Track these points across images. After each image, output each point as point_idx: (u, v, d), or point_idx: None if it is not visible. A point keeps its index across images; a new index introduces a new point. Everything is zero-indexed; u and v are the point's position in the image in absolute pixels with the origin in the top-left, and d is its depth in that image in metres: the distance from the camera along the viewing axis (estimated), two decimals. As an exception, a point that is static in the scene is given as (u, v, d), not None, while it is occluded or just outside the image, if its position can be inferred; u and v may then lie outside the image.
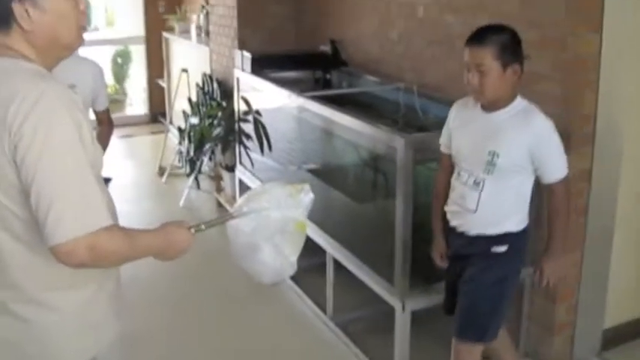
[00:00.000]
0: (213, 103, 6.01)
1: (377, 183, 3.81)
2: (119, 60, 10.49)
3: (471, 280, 2.87)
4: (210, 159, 6.13)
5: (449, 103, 3.93)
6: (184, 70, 7.24)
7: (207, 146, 5.84)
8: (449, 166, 2.98)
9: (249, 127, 5.17)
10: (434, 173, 3.55)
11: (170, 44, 8.39)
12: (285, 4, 5.97)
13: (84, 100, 3.29)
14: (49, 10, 1.74)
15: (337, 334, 3.95)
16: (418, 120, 4.11)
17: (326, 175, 4.34)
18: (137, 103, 10.08)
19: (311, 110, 4.14)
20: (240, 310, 4.33)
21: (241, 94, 5.29)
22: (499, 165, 2.70)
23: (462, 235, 2.88)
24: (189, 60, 7.42)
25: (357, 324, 4.02)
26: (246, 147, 5.27)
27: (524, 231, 2.86)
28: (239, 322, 4.20)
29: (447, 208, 2.97)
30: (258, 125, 5.03)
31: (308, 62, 5.32)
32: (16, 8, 1.71)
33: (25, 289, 1.81)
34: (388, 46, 4.71)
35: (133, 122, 9.18)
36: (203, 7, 7.32)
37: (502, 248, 2.82)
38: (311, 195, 2.11)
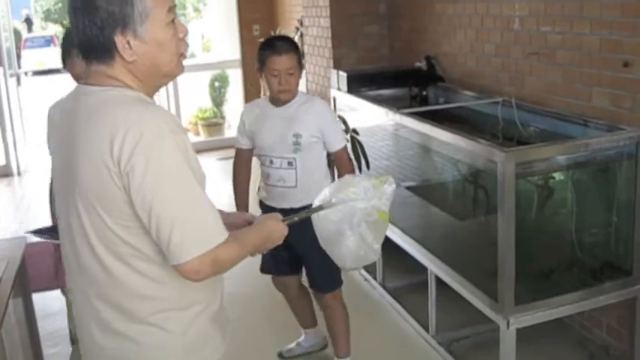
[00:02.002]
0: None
1: (477, 198, 3.76)
2: (216, 84, 10.72)
3: (312, 244, 2.42)
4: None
5: (550, 115, 3.90)
6: (281, 92, 7.33)
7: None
8: (248, 158, 3.69)
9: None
10: (536, 187, 3.51)
11: (266, 66, 8.50)
12: (379, 23, 5.99)
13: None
14: (149, 40, 1.80)
15: (441, 353, 3.90)
16: (518, 134, 4.04)
17: (425, 191, 4.32)
18: (235, 126, 10.23)
19: (409, 127, 4.13)
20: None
21: (338, 113, 5.32)
22: (303, 143, 3.42)
23: (289, 210, 3.20)
24: (285, 81, 7.50)
25: (460, 342, 3.95)
26: (344, 166, 5.27)
27: None
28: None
29: (264, 195, 3.62)
30: (356, 144, 5.03)
31: (403, 79, 5.30)
32: (119, 40, 1.77)
33: (134, 312, 1.87)
34: (484, 59, 4.66)
35: (232, 144, 9.30)
36: (297, 28, 7.42)
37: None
38: (393, 186, 2.22)
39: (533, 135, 3.95)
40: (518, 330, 3.27)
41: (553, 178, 3.60)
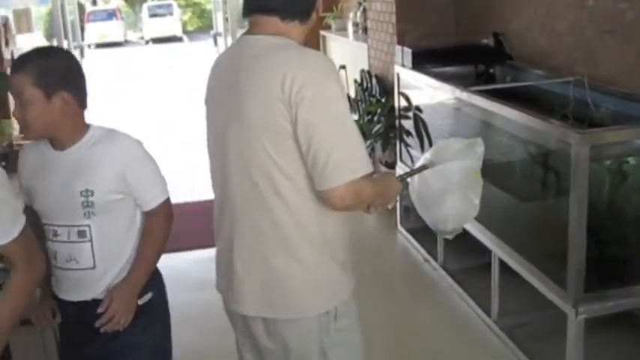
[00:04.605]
0: (373, 100, 5.97)
1: (547, 181, 3.63)
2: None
3: (126, 348, 2.40)
4: (370, 155, 6.09)
5: (625, 97, 3.73)
6: (342, 67, 7.23)
7: (367, 143, 5.80)
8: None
9: (408, 124, 5.09)
10: (609, 171, 3.37)
11: (327, 42, 8.43)
12: (445, -2, 5.83)
13: None
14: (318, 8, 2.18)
15: (502, 339, 3.80)
16: (590, 115, 3.88)
17: (490, 172, 4.18)
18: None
19: (476, 105, 4.00)
20: (400, 309, 4.28)
21: (402, 89, 5.21)
22: (97, 203, 2.34)
23: (85, 303, 2.43)
24: (347, 57, 7.41)
25: (523, 329, 3.83)
26: (407, 144, 5.19)
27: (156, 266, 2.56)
28: (398, 321, 4.14)
29: (55, 284, 2.50)
30: (419, 121, 4.94)
31: (470, 56, 5.14)
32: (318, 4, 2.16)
33: (287, 246, 2.11)
34: (556, 37, 4.49)
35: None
36: (360, 3, 7.30)
37: (147, 296, 2.48)
38: (483, 147, 2.46)
39: (606, 117, 3.79)
40: (586, 319, 3.15)
41: (627, 162, 3.45)
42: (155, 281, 2.53)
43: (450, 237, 2.56)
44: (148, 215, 2.47)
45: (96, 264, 2.40)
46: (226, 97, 2.12)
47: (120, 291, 2.39)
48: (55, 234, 2.41)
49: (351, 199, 2.00)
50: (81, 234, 2.38)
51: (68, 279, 2.45)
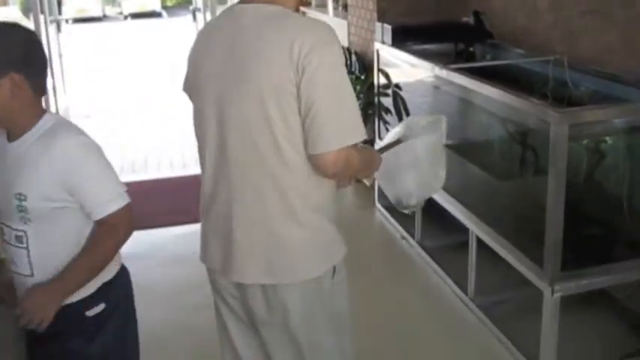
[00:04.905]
0: (352, 77, 5.93)
1: (525, 159, 3.62)
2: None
3: (67, 354, 2.27)
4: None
5: (605, 77, 3.73)
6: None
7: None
8: None
9: (388, 101, 5.07)
10: (587, 150, 3.37)
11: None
12: (426, -26, 5.78)
13: None
14: None
15: (479, 317, 3.81)
16: (569, 94, 3.88)
17: (468, 150, 4.18)
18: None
19: (456, 83, 3.98)
20: (376, 287, 4.27)
21: (382, 67, 5.18)
22: (31, 209, 2.11)
23: None
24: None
25: (500, 307, 3.85)
26: (385, 122, 5.17)
27: (120, 275, 2.36)
28: (375, 299, 4.12)
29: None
30: (398, 99, 4.91)
31: (450, 34, 5.11)
32: None
33: (287, 204, 2.13)
34: (536, 15, 4.48)
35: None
36: (341, -20, 7.24)
37: (99, 307, 2.28)
38: (445, 119, 2.59)
39: (586, 97, 3.78)
40: (562, 297, 3.16)
41: (605, 142, 3.46)
42: (113, 294, 2.32)
43: (410, 212, 2.64)
44: (97, 224, 2.21)
45: (34, 272, 2.20)
46: (225, 64, 2.12)
47: (33, 292, 2.16)
48: (2, 232, 2.24)
49: (342, 165, 2.05)
50: (18, 239, 2.19)
51: (15, 279, 2.29)
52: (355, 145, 2.09)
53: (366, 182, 5.51)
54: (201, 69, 2.21)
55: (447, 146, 4.23)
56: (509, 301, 3.88)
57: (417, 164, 2.47)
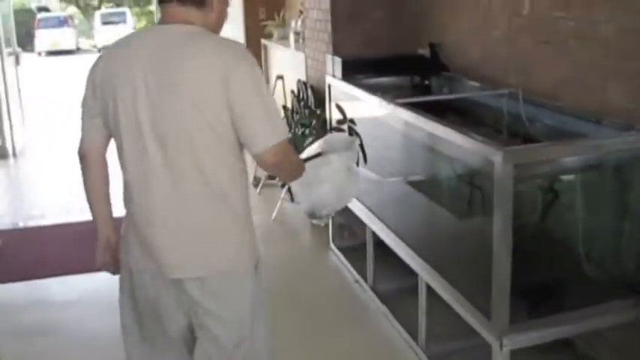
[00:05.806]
0: (306, 112, 5.71)
1: (473, 200, 3.38)
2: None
3: None
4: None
5: (559, 111, 3.51)
6: (279, 77, 6.99)
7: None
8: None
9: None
10: (539, 191, 3.15)
11: (269, 51, 8.18)
12: (382, 7, 5.58)
13: None
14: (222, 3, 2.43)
15: (429, 368, 3.55)
16: (524, 130, 3.66)
17: (419, 190, 3.95)
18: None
19: (402, 118, 3.76)
20: (327, 333, 4.01)
21: (336, 101, 4.95)
22: None
23: None
24: (286, 67, 7.17)
25: (451, 357, 3.60)
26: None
27: None
28: (325, 346, 3.88)
29: None
30: (354, 135, 4.68)
31: (405, 67, 4.89)
32: None
33: (221, 197, 2.34)
34: (490, 47, 4.28)
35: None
36: (301, 12, 7.06)
37: None
38: (358, 141, 3.23)
39: (541, 132, 3.58)
40: (512, 351, 2.91)
41: (559, 180, 3.23)
42: None
43: (319, 221, 2.88)
44: None
45: None
46: (151, 80, 2.24)
47: None
48: None
49: (282, 156, 2.31)
50: None
51: None
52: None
53: (322, 223, 5.26)
54: (124, 85, 2.29)
55: (403, 184, 4.07)
56: (460, 352, 3.62)
57: (332, 177, 2.70)
